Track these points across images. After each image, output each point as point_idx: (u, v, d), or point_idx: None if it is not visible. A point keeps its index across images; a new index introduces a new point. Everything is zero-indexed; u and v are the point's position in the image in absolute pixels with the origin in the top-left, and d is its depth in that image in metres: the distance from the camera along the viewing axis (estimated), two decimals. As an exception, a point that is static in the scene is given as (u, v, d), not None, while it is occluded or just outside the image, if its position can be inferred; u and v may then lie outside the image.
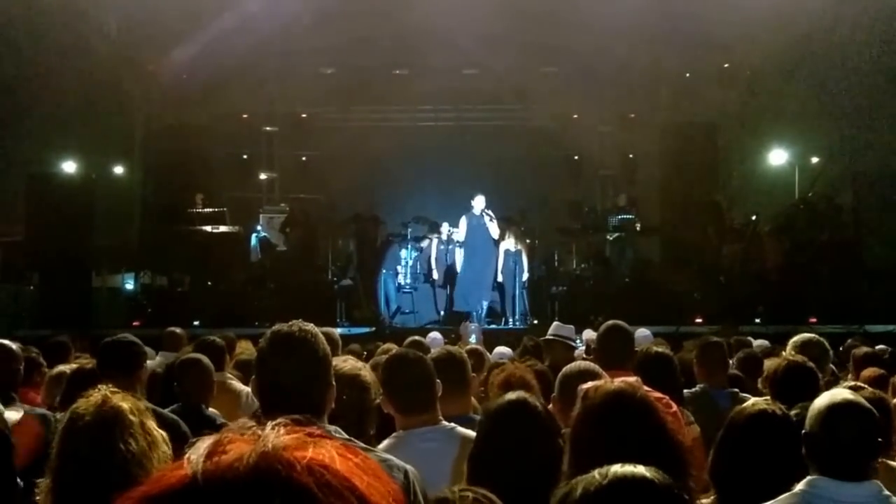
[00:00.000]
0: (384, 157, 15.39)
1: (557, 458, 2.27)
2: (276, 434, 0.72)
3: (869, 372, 4.74)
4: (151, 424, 2.24)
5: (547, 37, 13.28)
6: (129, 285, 13.85)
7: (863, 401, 2.46)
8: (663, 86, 15.33)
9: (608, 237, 13.54)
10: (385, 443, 2.93)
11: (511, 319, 12.12)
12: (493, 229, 11.87)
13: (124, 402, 2.22)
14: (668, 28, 12.95)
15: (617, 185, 15.60)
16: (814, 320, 10.95)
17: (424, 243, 12.95)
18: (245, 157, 16.05)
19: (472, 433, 2.69)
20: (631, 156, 15.35)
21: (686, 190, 13.30)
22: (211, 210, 13.30)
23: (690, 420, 3.59)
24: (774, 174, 14.66)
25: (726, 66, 14.53)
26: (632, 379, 2.57)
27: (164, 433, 2.26)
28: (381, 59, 14.49)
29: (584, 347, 6.89)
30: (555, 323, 6.17)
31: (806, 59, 13.16)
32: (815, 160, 14.14)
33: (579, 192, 15.67)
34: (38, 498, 2.24)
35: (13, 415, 3.56)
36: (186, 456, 0.72)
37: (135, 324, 11.42)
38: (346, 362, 2.88)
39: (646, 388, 2.32)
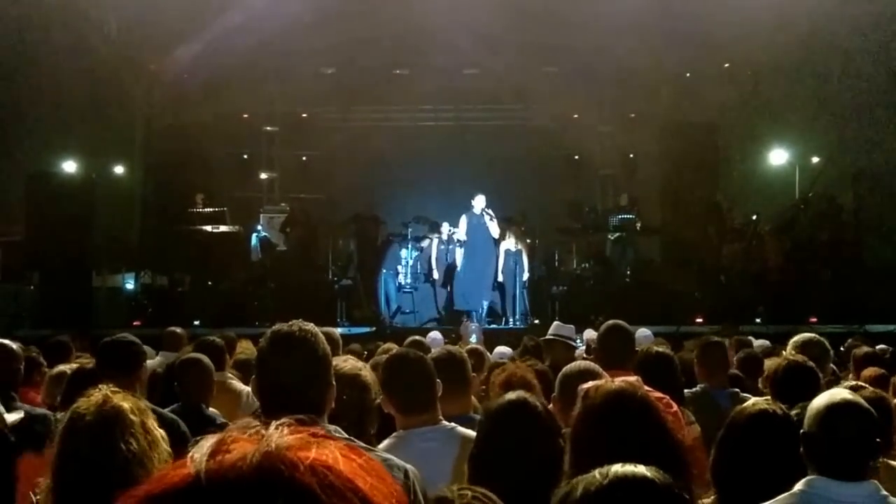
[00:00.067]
0: (385, 157, 15.40)
1: (558, 457, 2.27)
2: (279, 434, 0.72)
3: (869, 372, 4.73)
4: (152, 424, 2.24)
5: (547, 37, 13.27)
6: (130, 285, 13.85)
7: (861, 401, 2.46)
8: (664, 85, 15.32)
9: (609, 237, 13.54)
10: (385, 442, 2.93)
11: (511, 319, 12.12)
12: (494, 229, 11.88)
13: (125, 402, 2.22)
14: (669, 28, 12.95)
15: (617, 185, 15.60)
16: (814, 320, 10.95)
17: (425, 243, 12.95)
18: (245, 156, 16.05)
19: (472, 433, 2.69)
20: (631, 155, 15.36)
21: (686, 190, 13.30)
22: (211, 210, 13.30)
23: (691, 420, 3.59)
24: (775, 174, 14.66)
25: (727, 65, 14.53)
26: (632, 378, 2.57)
27: (163, 432, 2.26)
28: (382, 58, 14.49)
29: (584, 347, 6.89)
30: (555, 323, 6.17)
31: (807, 58, 13.16)
32: (815, 160, 14.14)
33: (580, 192, 15.67)
34: (38, 498, 2.24)
35: (13, 415, 3.56)
36: (190, 455, 0.72)
37: (135, 323, 11.42)
38: (346, 362, 2.87)
39: (646, 387, 2.32)
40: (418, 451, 2.71)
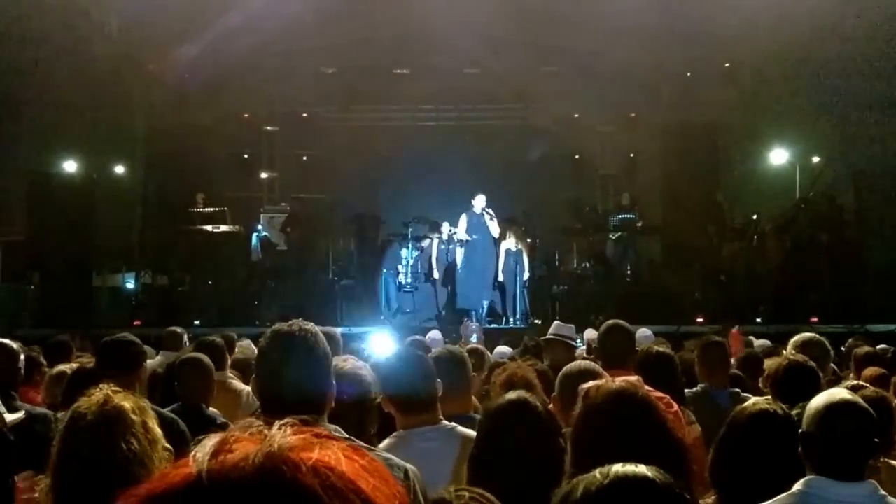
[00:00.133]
0: (385, 157, 15.40)
1: (558, 457, 2.27)
2: (282, 434, 0.72)
3: (870, 371, 4.73)
4: (153, 424, 2.24)
5: (548, 37, 13.27)
6: (130, 285, 13.85)
7: (860, 400, 2.46)
8: (664, 85, 15.32)
9: (610, 236, 13.54)
10: (385, 442, 2.92)
11: (512, 319, 12.13)
12: (494, 228, 11.88)
13: (126, 402, 2.22)
14: (669, 28, 12.94)
15: (618, 185, 15.60)
16: (815, 320, 10.95)
17: (425, 243, 12.96)
18: (246, 156, 16.06)
19: (472, 433, 2.69)
20: (632, 155, 15.36)
21: (687, 189, 13.30)
22: (212, 209, 13.31)
23: (691, 420, 3.59)
24: (775, 174, 14.65)
25: (727, 65, 14.52)
26: (633, 378, 2.57)
27: (161, 432, 2.26)
28: (382, 58, 14.49)
29: (584, 347, 6.89)
30: (555, 322, 6.16)
31: (807, 58, 13.15)
32: (816, 160, 14.14)
33: (580, 192, 15.68)
34: (38, 497, 2.24)
35: (14, 415, 3.56)
36: (192, 454, 0.71)
37: (135, 323, 11.42)
38: (346, 361, 2.87)
39: (646, 387, 2.31)
40: (418, 450, 2.71)
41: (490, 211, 11.85)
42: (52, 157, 13.69)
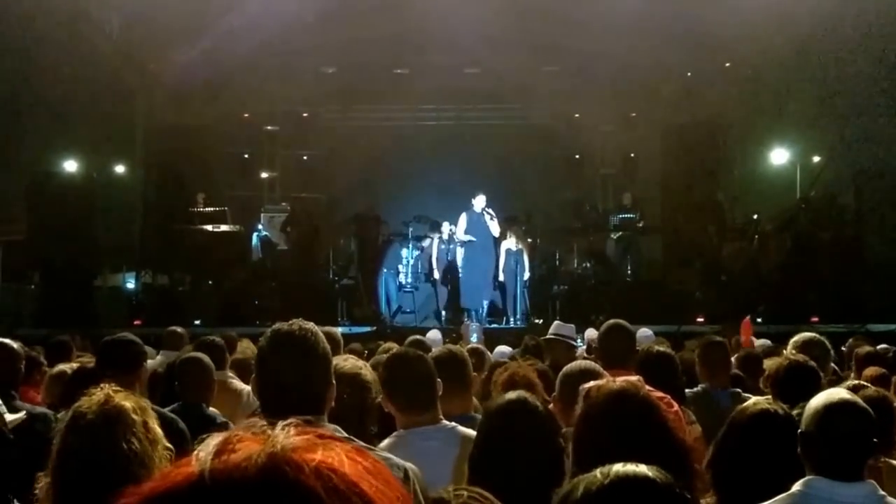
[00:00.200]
0: (385, 156, 15.39)
1: (557, 457, 2.27)
2: (285, 435, 0.72)
3: (871, 371, 4.73)
4: (153, 424, 2.24)
5: (548, 36, 13.27)
6: (131, 284, 13.86)
7: (859, 400, 2.46)
8: (665, 85, 15.32)
9: (612, 236, 13.54)
10: (386, 442, 2.92)
11: (512, 318, 12.13)
12: (494, 227, 11.88)
13: (127, 402, 2.22)
14: (670, 27, 12.94)
15: (618, 185, 15.60)
16: (816, 319, 10.94)
17: (425, 242, 12.96)
18: (246, 156, 16.05)
19: (472, 432, 2.69)
20: (632, 155, 15.35)
21: (687, 189, 13.30)
22: (212, 209, 13.31)
23: (692, 420, 3.59)
24: (776, 173, 14.65)
25: (728, 65, 14.52)
26: (634, 378, 2.56)
27: (162, 432, 2.26)
28: (383, 58, 14.48)
29: (584, 347, 6.89)
30: (556, 322, 6.16)
31: (807, 58, 13.14)
32: (816, 159, 14.13)
33: (580, 192, 15.67)
34: (37, 496, 2.24)
35: (15, 415, 3.56)
36: (195, 453, 0.71)
37: (136, 323, 11.43)
38: (346, 361, 2.87)
39: (647, 387, 2.31)
40: (419, 450, 2.71)
41: (490, 211, 11.85)
42: (52, 156, 13.69)
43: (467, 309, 11.99)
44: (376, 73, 15.00)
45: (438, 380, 3.00)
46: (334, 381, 2.27)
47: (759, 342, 7.14)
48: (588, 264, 13.62)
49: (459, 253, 12.30)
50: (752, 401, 2.87)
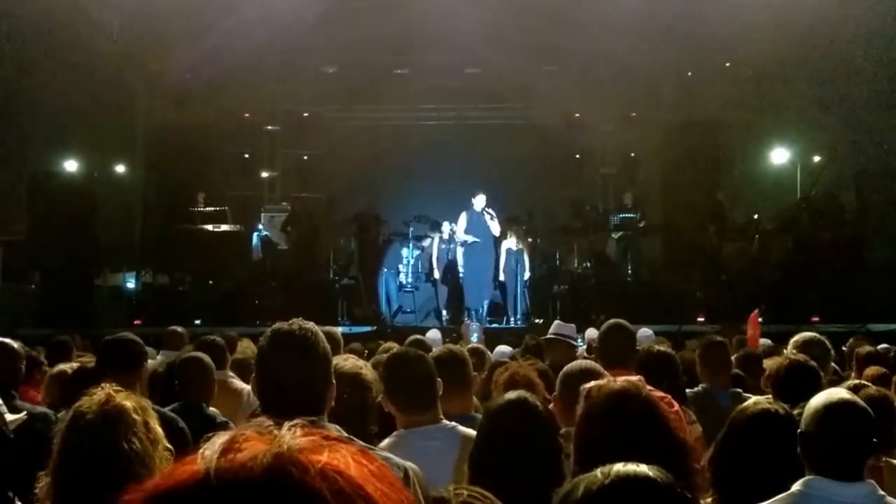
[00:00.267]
0: (386, 156, 15.39)
1: (557, 457, 2.27)
2: (291, 435, 0.72)
3: (871, 371, 4.72)
4: (154, 424, 2.24)
5: (549, 35, 13.26)
6: (131, 284, 13.86)
7: (858, 400, 2.45)
8: (665, 84, 15.32)
9: (613, 235, 13.54)
10: (386, 441, 2.92)
11: (512, 318, 12.13)
12: (494, 227, 11.88)
13: (128, 401, 2.22)
14: (670, 27, 12.94)
15: (618, 185, 15.59)
16: (816, 319, 10.93)
17: (426, 242, 12.96)
18: (247, 155, 16.06)
19: (472, 432, 2.69)
20: (633, 154, 15.34)
21: (688, 189, 13.30)
22: (213, 209, 13.31)
23: (692, 419, 3.58)
24: (776, 173, 14.65)
25: (728, 64, 14.51)
26: (635, 378, 2.56)
27: (162, 430, 2.26)
28: (383, 57, 14.48)
29: (585, 346, 6.88)
30: (556, 322, 6.16)
31: (808, 57, 13.14)
32: (817, 159, 14.12)
33: (581, 191, 15.67)
34: (38, 495, 2.24)
35: (16, 416, 3.56)
36: (201, 451, 0.71)
37: (136, 322, 11.43)
38: (346, 361, 2.87)
39: (648, 387, 2.31)
40: (419, 450, 2.71)
41: (490, 211, 11.84)
42: (53, 156, 13.70)
43: (468, 308, 11.99)
44: (377, 73, 15.00)
45: (439, 379, 3.00)
46: (334, 381, 2.27)
47: (760, 342, 7.13)
48: (588, 264, 13.62)
49: (460, 253, 12.30)
50: (752, 400, 2.87)
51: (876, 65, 12.73)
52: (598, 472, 1.32)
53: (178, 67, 13.68)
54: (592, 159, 16.08)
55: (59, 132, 13.56)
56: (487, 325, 11.24)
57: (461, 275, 12.27)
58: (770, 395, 3.41)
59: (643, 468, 1.32)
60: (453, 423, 2.99)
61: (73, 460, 2.16)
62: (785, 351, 4.54)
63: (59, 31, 12.35)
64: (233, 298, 12.59)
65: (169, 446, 2.23)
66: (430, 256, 12.84)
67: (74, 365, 4.49)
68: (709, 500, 2.53)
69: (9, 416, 3.26)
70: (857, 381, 3.72)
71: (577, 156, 15.88)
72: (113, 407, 2.18)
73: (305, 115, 16.08)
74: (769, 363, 4.27)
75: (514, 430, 2.36)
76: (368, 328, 11.39)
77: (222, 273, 13.28)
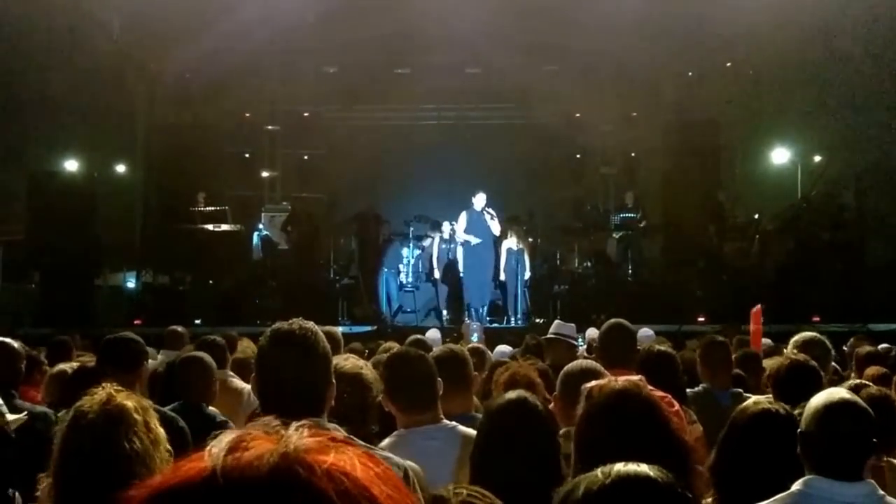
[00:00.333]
0: (386, 156, 15.39)
1: (557, 456, 2.27)
2: (298, 435, 0.72)
3: (872, 371, 4.72)
4: (155, 424, 2.24)
5: (549, 35, 13.26)
6: (131, 284, 13.86)
7: (859, 400, 2.45)
8: (666, 84, 15.31)
9: (614, 235, 13.53)
10: (386, 441, 2.92)
11: (513, 318, 12.13)
12: (494, 227, 11.87)
13: (129, 401, 2.22)
14: (671, 27, 12.94)
15: (619, 184, 15.59)
16: (817, 319, 10.93)
17: (426, 242, 12.96)
18: (247, 155, 16.05)
19: (473, 432, 2.69)
20: (633, 154, 15.34)
21: (688, 188, 13.29)
22: (213, 209, 13.30)
23: (693, 419, 3.58)
24: (777, 172, 14.64)
25: (728, 64, 14.51)
26: (636, 377, 2.56)
27: (163, 431, 2.26)
28: (383, 57, 14.48)
29: (585, 346, 6.88)
30: (556, 321, 6.16)
31: (808, 57, 13.14)
32: (817, 158, 14.12)
33: (581, 191, 15.66)
34: (39, 495, 2.24)
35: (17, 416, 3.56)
36: (208, 449, 0.72)
37: (136, 322, 11.43)
38: (347, 360, 2.87)
39: (648, 386, 2.31)
40: (419, 449, 2.70)
41: (491, 210, 11.84)
42: (53, 156, 13.70)
43: (468, 308, 11.98)
44: (377, 73, 14.99)
45: (439, 379, 3.00)
46: (334, 381, 2.26)
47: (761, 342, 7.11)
48: (589, 264, 13.62)
49: (460, 252, 12.30)
50: (753, 400, 2.87)
51: (876, 65, 12.73)
52: (599, 471, 1.32)
53: (178, 67, 13.69)
54: (593, 159, 16.07)
55: (59, 132, 13.56)
56: (488, 325, 11.23)
57: (461, 274, 12.26)
58: (770, 395, 3.40)
59: (644, 468, 1.31)
60: (454, 423, 2.99)
61: (74, 460, 2.16)
62: (785, 351, 4.54)
63: (59, 30, 12.36)
64: (233, 298, 12.59)
65: (168, 447, 2.23)
66: (431, 256, 12.84)
67: (74, 364, 4.49)
68: (709, 499, 2.53)
69: (9, 416, 3.26)
70: (857, 381, 3.72)
71: (578, 156, 15.87)
72: (114, 406, 2.18)
73: (306, 115, 16.08)
74: (769, 363, 4.28)
75: (515, 429, 2.36)
76: (369, 328, 11.39)
77: (222, 273, 13.28)
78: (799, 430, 2.42)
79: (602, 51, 13.38)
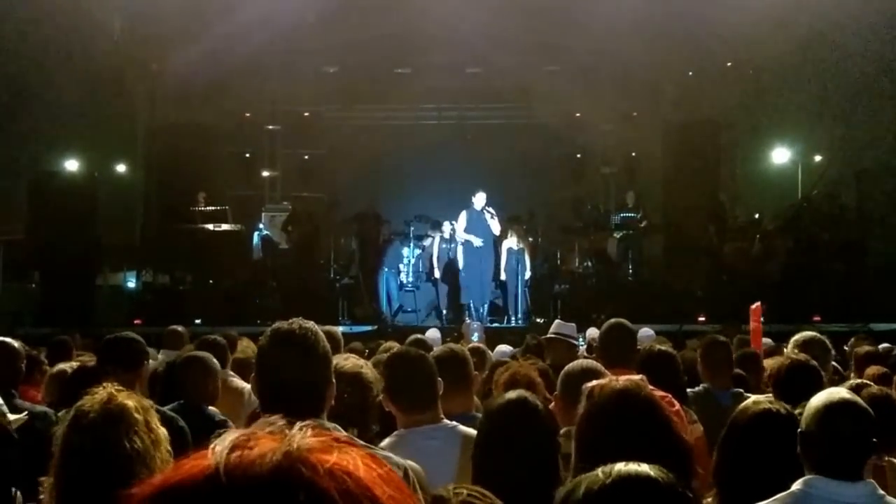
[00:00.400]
0: (386, 156, 15.39)
1: (556, 456, 2.27)
2: (302, 435, 0.72)
3: (872, 370, 4.72)
4: (156, 423, 2.24)
5: (549, 35, 13.27)
6: (132, 283, 13.87)
7: (859, 400, 2.45)
8: (666, 84, 15.32)
9: (614, 235, 13.53)
10: (386, 441, 2.92)
11: (513, 317, 12.13)
12: (495, 226, 11.87)
13: (129, 400, 2.22)
14: (671, 26, 12.94)
15: (619, 184, 15.60)
16: (818, 319, 10.93)
17: (426, 242, 12.96)
18: (247, 155, 16.05)
19: (473, 432, 2.69)
20: (633, 154, 15.34)
21: (689, 188, 13.30)
22: (213, 208, 13.30)
23: (693, 419, 3.58)
24: (778, 172, 14.65)
25: (729, 64, 14.52)
26: (637, 377, 2.56)
27: (164, 430, 2.26)
28: (384, 57, 14.48)
29: (585, 346, 6.88)
30: (556, 321, 6.16)
31: (809, 57, 13.14)
32: (818, 158, 14.14)
33: (582, 191, 15.67)
34: (41, 496, 2.24)
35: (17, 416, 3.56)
36: (211, 447, 0.72)
37: (136, 322, 11.42)
38: (347, 360, 2.87)
39: (649, 386, 2.30)
40: (419, 449, 2.70)
41: (491, 210, 11.84)
42: (54, 155, 13.71)
43: (468, 308, 11.98)
44: (377, 73, 15.00)
45: (439, 379, 3.00)
46: (334, 381, 2.26)
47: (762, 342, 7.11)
48: (589, 263, 13.61)
49: (460, 252, 12.30)
50: (753, 400, 2.87)
51: (878, 64, 12.73)
52: (600, 471, 1.32)
53: (178, 67, 13.68)
54: (593, 159, 16.08)
55: (60, 132, 13.56)
56: (488, 325, 11.23)
57: (462, 274, 12.26)
58: (771, 395, 3.40)
59: (644, 468, 1.31)
60: (454, 423, 2.99)
61: (74, 460, 2.16)
62: (786, 350, 4.54)
63: (59, 31, 12.36)
64: (233, 298, 12.59)
65: (168, 448, 2.23)
66: (431, 256, 12.84)
67: (75, 364, 4.49)
68: (709, 499, 2.53)
69: (11, 416, 3.26)
70: (858, 381, 3.72)
71: (578, 155, 15.88)
72: (115, 406, 2.18)
73: (306, 114, 16.08)
74: (770, 363, 4.28)
75: (515, 429, 2.35)
76: (369, 328, 11.39)
77: (223, 273, 13.28)
78: (799, 429, 2.42)
79: (602, 51, 13.38)
